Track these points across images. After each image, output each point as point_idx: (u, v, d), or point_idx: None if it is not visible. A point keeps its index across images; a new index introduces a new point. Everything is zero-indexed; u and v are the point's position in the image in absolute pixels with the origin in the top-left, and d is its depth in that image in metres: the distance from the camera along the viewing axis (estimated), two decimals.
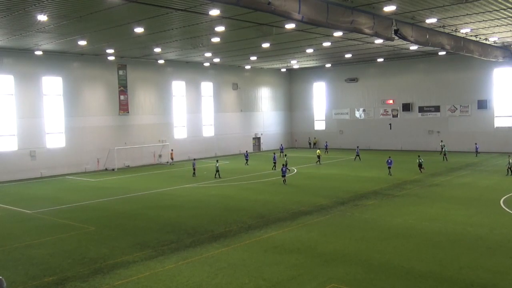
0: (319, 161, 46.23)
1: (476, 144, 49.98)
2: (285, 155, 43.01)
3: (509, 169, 35.34)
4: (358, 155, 48.54)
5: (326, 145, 58.23)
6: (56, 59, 43.26)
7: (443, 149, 47.61)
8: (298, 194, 29.65)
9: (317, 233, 19.81)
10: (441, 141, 51.70)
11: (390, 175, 36.23)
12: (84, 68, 45.99)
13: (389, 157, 38.33)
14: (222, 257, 16.68)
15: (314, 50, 46.81)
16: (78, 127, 45.47)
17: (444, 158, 45.98)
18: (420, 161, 37.49)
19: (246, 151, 53.59)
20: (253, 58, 51.86)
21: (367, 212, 23.64)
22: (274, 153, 45.32)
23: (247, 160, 48.03)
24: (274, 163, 42.54)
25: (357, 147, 51.89)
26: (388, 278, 14.16)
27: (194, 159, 43.79)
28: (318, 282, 14.01)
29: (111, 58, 46.60)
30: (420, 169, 37.36)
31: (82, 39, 35.87)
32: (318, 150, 49.10)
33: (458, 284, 13.58)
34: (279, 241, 18.69)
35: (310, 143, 66.67)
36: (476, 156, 48.37)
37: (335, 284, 13.79)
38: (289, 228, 20.72)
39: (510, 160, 35.53)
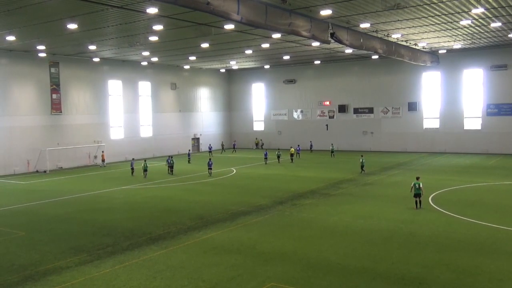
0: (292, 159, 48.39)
1: (311, 141, 59.16)
2: (171, 157, 41.92)
3: (362, 168, 37.65)
4: (298, 153, 51.62)
5: (299, 148, 53.01)
6: None
7: (332, 148, 52.60)
8: (238, 194, 29.74)
9: (256, 233, 19.98)
10: (332, 144, 54.81)
11: (266, 164, 46.02)
12: (12, 65, 43.59)
13: (266, 151, 50.15)
14: (160, 260, 16.42)
15: (253, 51, 47.17)
16: (6, 127, 43.03)
17: (332, 155, 51.37)
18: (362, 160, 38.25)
19: (189, 150, 54.29)
20: (192, 58, 51.46)
21: (305, 211, 24.13)
22: (169, 157, 42.24)
23: (189, 159, 49.65)
24: (169, 166, 40.65)
25: (298, 145, 54.13)
26: (325, 275, 14.53)
27: (133, 159, 42.93)
28: (257, 281, 14.13)
29: (42, 54, 44.48)
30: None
31: (11, 34, 34.06)
32: (291, 149, 50.29)
33: (390, 278, 14.16)
34: (219, 242, 18.67)
35: (227, 145, 65.44)
36: (311, 152, 57.07)
37: (274, 283, 13.96)
38: (228, 229, 20.74)
39: (363, 159, 37.88)
